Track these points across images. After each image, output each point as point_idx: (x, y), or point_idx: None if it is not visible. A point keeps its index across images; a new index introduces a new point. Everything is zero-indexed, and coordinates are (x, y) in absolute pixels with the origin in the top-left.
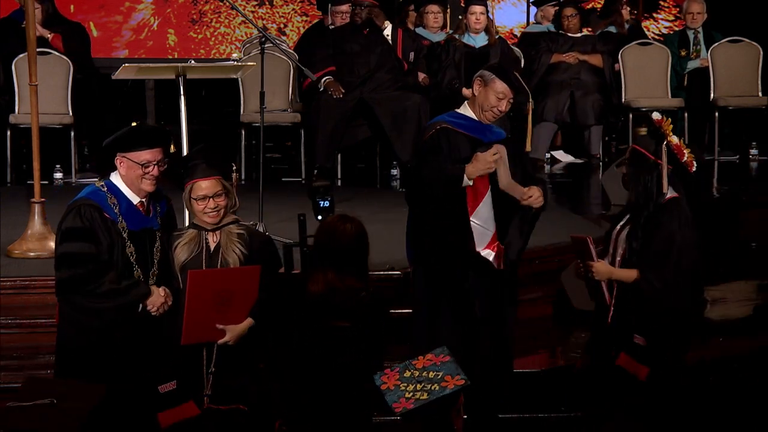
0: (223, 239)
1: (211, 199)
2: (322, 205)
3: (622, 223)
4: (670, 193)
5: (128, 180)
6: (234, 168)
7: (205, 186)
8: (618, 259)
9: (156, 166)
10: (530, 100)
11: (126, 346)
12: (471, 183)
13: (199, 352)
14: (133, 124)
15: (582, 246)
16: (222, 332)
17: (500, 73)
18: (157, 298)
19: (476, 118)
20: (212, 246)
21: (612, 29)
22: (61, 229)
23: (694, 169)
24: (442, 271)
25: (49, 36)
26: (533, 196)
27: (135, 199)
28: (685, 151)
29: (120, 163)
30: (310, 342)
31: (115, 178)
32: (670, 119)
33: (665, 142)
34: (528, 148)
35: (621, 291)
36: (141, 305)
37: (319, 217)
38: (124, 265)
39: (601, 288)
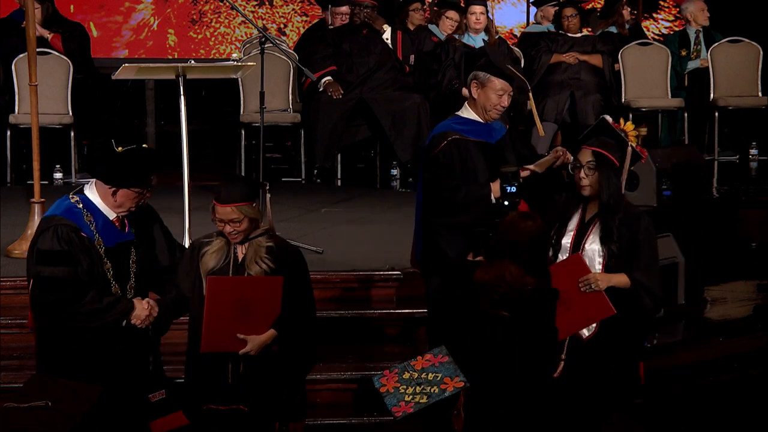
0: (251, 252)
1: (227, 225)
2: (509, 191)
3: (575, 228)
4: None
5: (118, 205)
6: (267, 186)
7: (221, 211)
8: (599, 268)
9: (150, 189)
10: (528, 88)
11: (112, 357)
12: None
13: (225, 362)
14: (119, 149)
15: (574, 265)
16: (243, 342)
17: (494, 70)
18: (141, 311)
19: (480, 120)
20: (240, 257)
21: (613, 29)
22: (38, 248)
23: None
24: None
25: (49, 36)
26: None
27: (111, 215)
28: (641, 149)
29: (114, 193)
30: (467, 327)
31: (91, 194)
32: (630, 122)
33: (629, 146)
34: (541, 133)
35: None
36: (125, 320)
37: (506, 203)
38: (103, 282)
39: (605, 299)
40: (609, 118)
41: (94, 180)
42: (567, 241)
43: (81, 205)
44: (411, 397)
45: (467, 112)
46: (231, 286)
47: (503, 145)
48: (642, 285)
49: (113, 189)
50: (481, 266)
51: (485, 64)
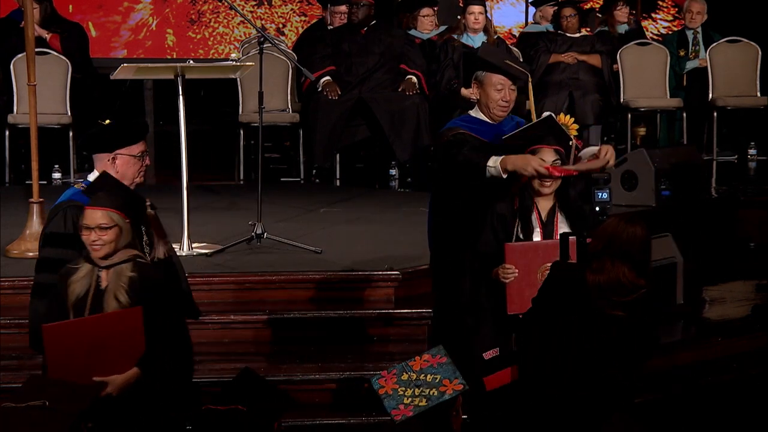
0: (112, 281)
1: (93, 231)
2: (600, 197)
3: (539, 226)
4: None
5: (120, 177)
6: (149, 204)
7: (89, 216)
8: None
9: (147, 156)
10: (528, 77)
11: None
12: (504, 176)
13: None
14: (107, 121)
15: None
16: (102, 383)
17: (489, 67)
18: None
19: (489, 120)
20: (103, 285)
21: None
22: (45, 233)
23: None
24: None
25: (47, 36)
26: (608, 154)
27: None
28: (578, 141)
29: (113, 161)
30: (581, 326)
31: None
32: (569, 116)
33: (570, 141)
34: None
35: None
36: None
37: (597, 209)
38: None
39: None
40: (554, 115)
41: (94, 170)
42: (537, 239)
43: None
44: (410, 399)
45: (476, 113)
46: (72, 331)
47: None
48: None
49: (112, 157)
50: (592, 269)
51: (480, 62)
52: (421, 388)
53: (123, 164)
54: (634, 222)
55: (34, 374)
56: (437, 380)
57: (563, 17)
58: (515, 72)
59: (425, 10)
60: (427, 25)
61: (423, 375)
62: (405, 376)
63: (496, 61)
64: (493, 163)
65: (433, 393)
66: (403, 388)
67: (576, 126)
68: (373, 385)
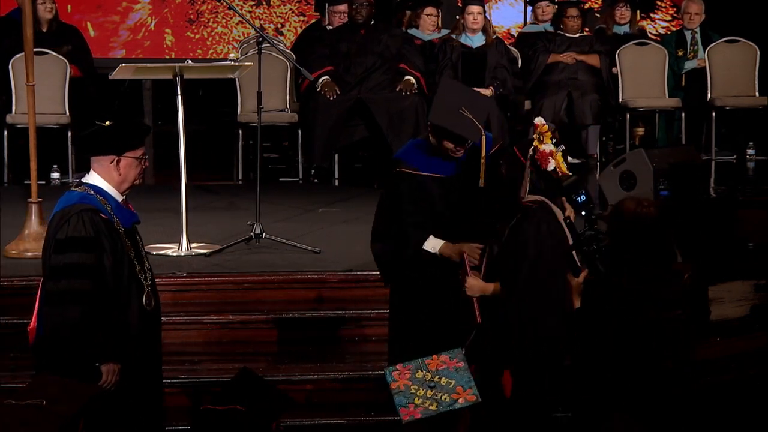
0: None
1: None
2: (580, 201)
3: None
4: (532, 197)
5: (122, 179)
6: None
7: None
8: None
9: (146, 158)
10: (483, 134)
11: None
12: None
13: None
14: (107, 123)
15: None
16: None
17: (446, 136)
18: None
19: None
20: None
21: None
22: (57, 239)
23: (564, 178)
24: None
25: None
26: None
27: (119, 198)
28: (552, 160)
29: (117, 164)
30: (634, 339)
31: (96, 180)
32: (553, 126)
33: (532, 148)
34: (481, 183)
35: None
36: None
37: (583, 213)
38: (128, 264)
39: (473, 305)
40: (539, 120)
41: (90, 170)
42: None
43: (92, 192)
44: (421, 401)
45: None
46: None
47: (471, 172)
48: (502, 297)
49: (116, 160)
50: (622, 272)
51: (433, 128)
52: (434, 391)
53: (126, 167)
54: (641, 203)
55: (40, 373)
56: (452, 386)
57: (568, 17)
58: (467, 134)
59: (429, 9)
60: (429, 25)
61: (438, 377)
62: (420, 374)
63: (449, 125)
64: (432, 248)
65: (445, 399)
66: (416, 387)
67: (549, 134)
68: (387, 378)
